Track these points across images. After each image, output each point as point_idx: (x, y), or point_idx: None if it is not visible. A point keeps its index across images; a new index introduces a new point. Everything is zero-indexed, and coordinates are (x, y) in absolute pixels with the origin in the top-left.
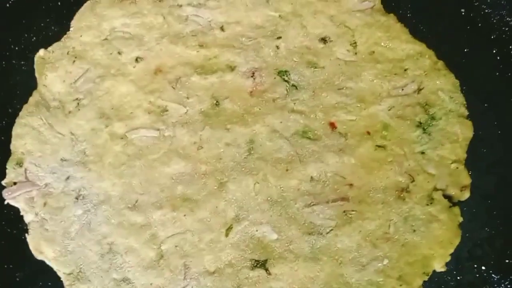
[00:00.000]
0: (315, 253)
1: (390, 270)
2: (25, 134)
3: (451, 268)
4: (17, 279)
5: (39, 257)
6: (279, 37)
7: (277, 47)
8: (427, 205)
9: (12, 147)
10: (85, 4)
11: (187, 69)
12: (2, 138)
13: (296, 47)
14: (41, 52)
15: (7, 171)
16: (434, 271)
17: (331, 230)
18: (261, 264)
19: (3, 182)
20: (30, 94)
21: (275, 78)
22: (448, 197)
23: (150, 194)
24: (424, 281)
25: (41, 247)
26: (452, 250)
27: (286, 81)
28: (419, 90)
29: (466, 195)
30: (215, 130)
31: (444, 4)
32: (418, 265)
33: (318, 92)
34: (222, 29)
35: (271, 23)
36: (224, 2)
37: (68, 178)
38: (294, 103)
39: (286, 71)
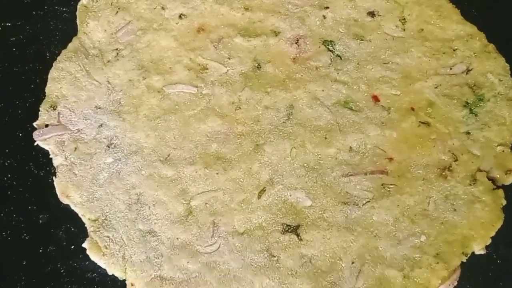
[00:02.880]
0: (349, 223)
1: (427, 247)
2: (61, 78)
3: (491, 252)
4: (40, 221)
5: (65, 201)
6: (327, 7)
7: (324, 16)
8: (470, 185)
9: (47, 90)
10: None
11: (230, 30)
12: (37, 81)
13: (343, 19)
14: (85, 0)
15: (40, 113)
16: (473, 253)
17: (368, 202)
18: (292, 229)
19: (34, 124)
20: (69, 41)
21: (319, 47)
22: (492, 180)
23: (183, 149)
24: (462, 262)
25: (68, 191)
26: (493, 233)
27: (331, 51)
28: (467, 71)
29: (510, 179)
30: (255, 92)
31: None
32: (457, 244)
33: (363, 64)
34: None
35: None
36: None
37: (101, 125)
38: (338, 73)
39: (331, 41)
